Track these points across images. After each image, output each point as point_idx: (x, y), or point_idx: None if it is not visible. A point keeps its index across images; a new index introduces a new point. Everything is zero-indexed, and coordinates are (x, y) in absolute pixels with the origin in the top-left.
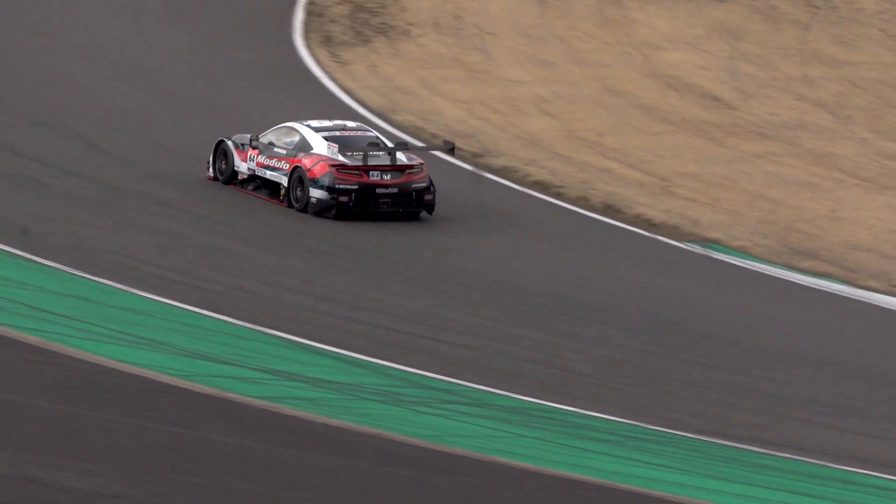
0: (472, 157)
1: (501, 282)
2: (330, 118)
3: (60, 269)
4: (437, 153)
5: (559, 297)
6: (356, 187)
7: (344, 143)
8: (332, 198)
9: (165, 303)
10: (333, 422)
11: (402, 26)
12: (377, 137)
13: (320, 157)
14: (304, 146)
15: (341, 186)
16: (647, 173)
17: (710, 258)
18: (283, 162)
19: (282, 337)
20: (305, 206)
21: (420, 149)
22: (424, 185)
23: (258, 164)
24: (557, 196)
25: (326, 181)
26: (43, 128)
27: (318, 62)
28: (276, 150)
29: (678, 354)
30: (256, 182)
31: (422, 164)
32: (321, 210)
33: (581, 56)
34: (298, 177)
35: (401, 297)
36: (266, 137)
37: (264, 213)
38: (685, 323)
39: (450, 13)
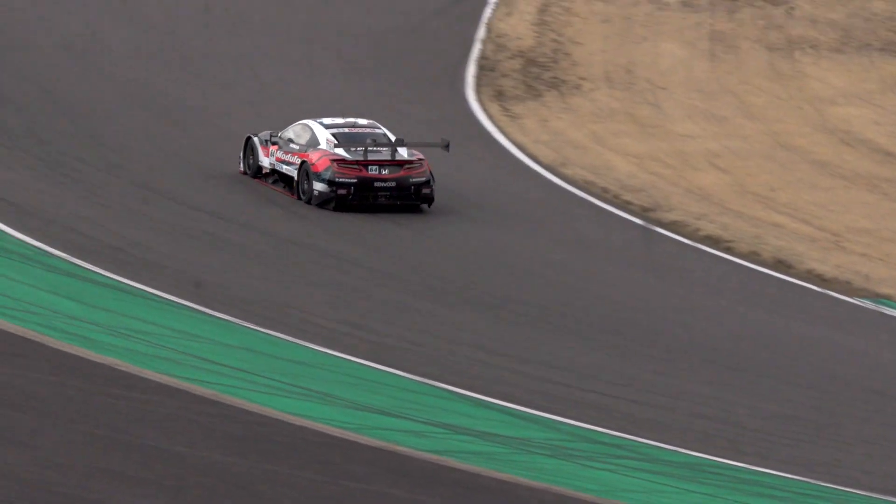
0: (642, 212)
1: (670, 335)
2: (342, 116)
3: (232, 322)
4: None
5: (729, 352)
6: (355, 181)
7: (348, 139)
8: (332, 190)
9: (335, 355)
10: (502, 476)
11: (573, 81)
12: (385, 135)
13: (324, 152)
14: (313, 142)
15: (341, 180)
16: (818, 228)
17: (882, 314)
18: (295, 157)
19: (451, 390)
20: (310, 199)
21: (418, 145)
22: (423, 179)
23: (277, 159)
24: (728, 251)
25: (327, 175)
26: (217, 181)
27: (490, 116)
28: (291, 145)
29: (849, 410)
30: (275, 176)
31: (422, 159)
32: (322, 202)
33: (753, 110)
34: (305, 171)
35: (570, 351)
36: (285, 134)
37: (436, 268)
38: (856, 379)
39: (621, 67)
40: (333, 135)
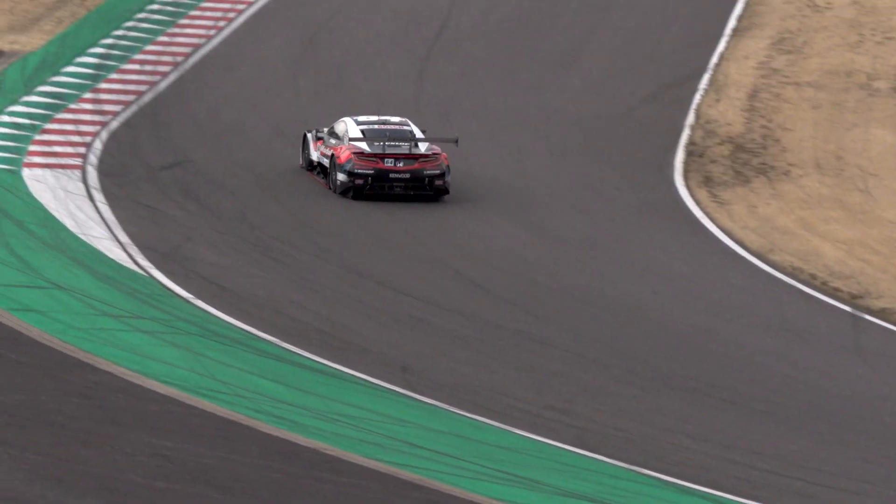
0: (850, 299)
1: (879, 423)
2: (376, 116)
3: (439, 407)
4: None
5: None
6: (372, 172)
7: (375, 135)
8: (350, 180)
9: (541, 441)
10: None
11: (782, 167)
12: (411, 132)
13: (349, 146)
14: (346, 137)
15: (359, 171)
16: None
17: None
18: (330, 150)
19: (655, 476)
20: (335, 188)
21: (432, 140)
22: (437, 171)
23: (321, 153)
24: None
25: (348, 166)
26: (425, 266)
27: (697, 202)
28: (331, 140)
29: None
30: (319, 168)
31: (438, 153)
32: (343, 191)
33: None
34: (333, 163)
35: (776, 437)
36: (328, 130)
37: (640, 352)
38: None
39: (831, 154)
40: (362, 130)
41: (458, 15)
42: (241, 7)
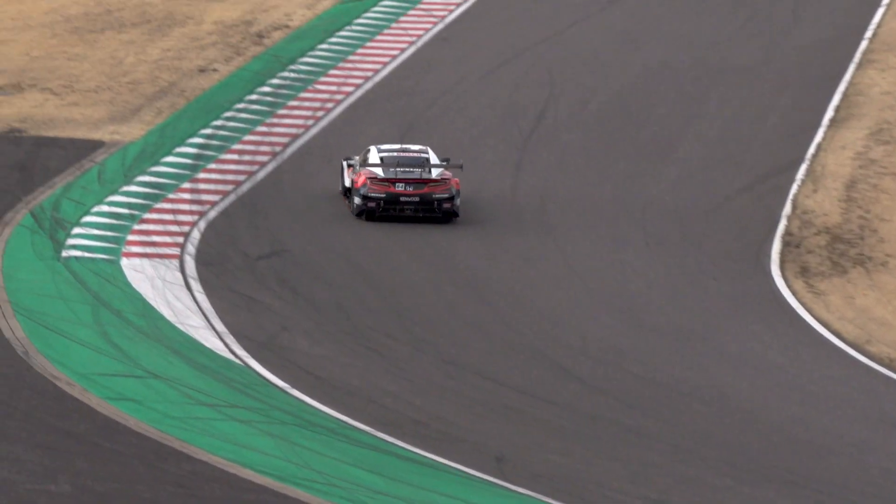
0: None
1: None
2: (448, 161)
3: (533, 497)
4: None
5: None
6: (384, 196)
7: (390, 161)
8: (364, 203)
9: None
10: None
11: (879, 257)
12: (425, 159)
13: (366, 171)
14: (367, 163)
15: (372, 194)
16: None
17: None
18: (354, 176)
19: None
20: (353, 211)
21: (439, 166)
22: (446, 195)
23: (351, 180)
24: None
25: (363, 190)
26: (520, 355)
27: (794, 292)
28: (357, 167)
29: None
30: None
31: (447, 178)
32: (358, 213)
33: None
34: (353, 187)
35: None
36: (358, 157)
37: (736, 443)
38: None
39: None
40: (381, 157)
41: (556, 105)
42: (339, 97)
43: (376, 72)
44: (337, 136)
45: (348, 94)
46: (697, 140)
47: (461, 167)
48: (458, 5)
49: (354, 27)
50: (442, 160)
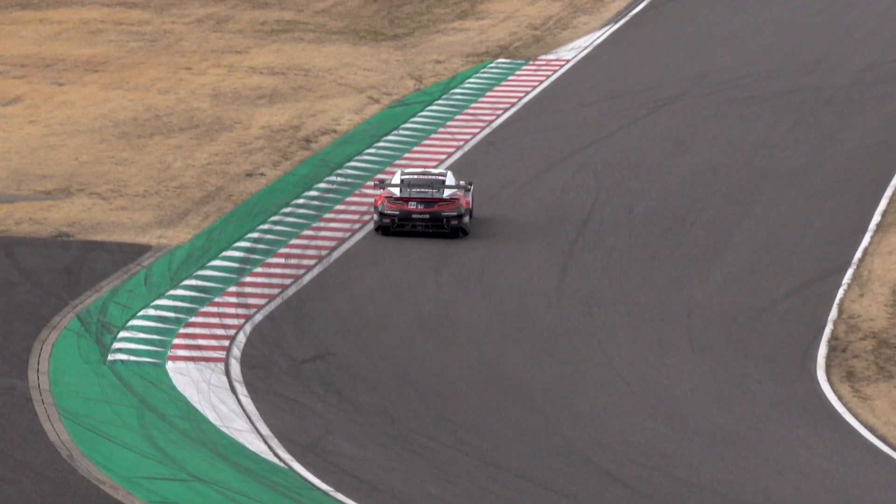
0: None
1: None
2: (467, 182)
3: None
4: None
5: None
6: (397, 213)
7: (408, 183)
8: (381, 220)
9: None
10: None
11: None
12: (439, 181)
13: (386, 192)
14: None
15: (387, 212)
16: None
17: None
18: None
19: None
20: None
21: (451, 187)
22: (454, 213)
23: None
24: None
25: (381, 208)
26: (563, 458)
27: (840, 397)
28: (382, 188)
29: None
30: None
31: (457, 199)
32: (376, 228)
33: None
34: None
35: None
36: (387, 180)
37: None
38: None
39: None
40: (402, 179)
41: (602, 208)
42: None
43: None
44: (383, 239)
45: None
46: (744, 244)
47: (469, 185)
48: (506, 110)
49: (402, 131)
50: (467, 183)
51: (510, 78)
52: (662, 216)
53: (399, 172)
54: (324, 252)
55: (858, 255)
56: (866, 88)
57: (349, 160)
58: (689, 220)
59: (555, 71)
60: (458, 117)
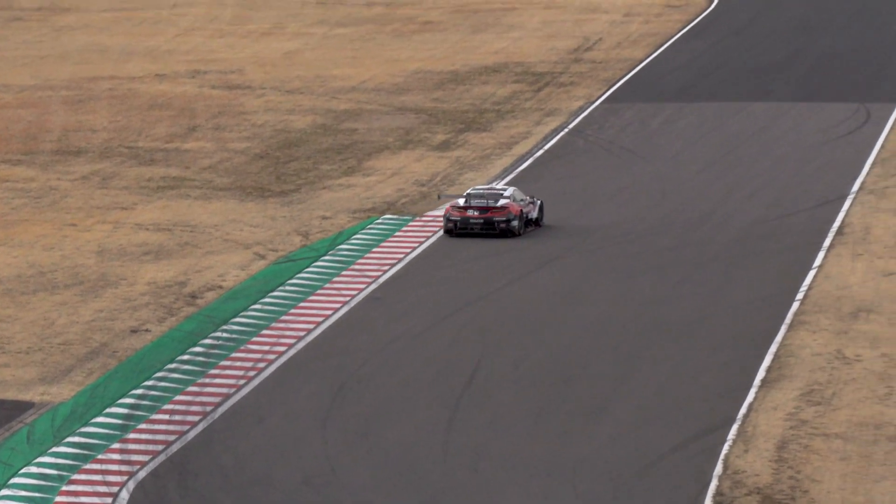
0: None
1: None
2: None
3: None
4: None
5: None
6: (458, 218)
7: (472, 195)
8: (446, 224)
9: None
10: None
11: None
12: (495, 193)
13: (453, 202)
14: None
15: (452, 217)
16: None
17: None
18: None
19: None
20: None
21: (506, 198)
22: (503, 219)
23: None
24: None
25: (448, 215)
26: None
27: None
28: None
29: None
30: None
31: (507, 207)
32: (445, 230)
33: None
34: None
35: None
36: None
37: None
38: None
39: None
40: (467, 193)
41: (488, 363)
42: (271, 357)
43: (309, 331)
44: (268, 395)
45: (280, 353)
46: (631, 398)
47: (536, 200)
48: (392, 266)
49: (288, 287)
50: (530, 197)
51: (397, 234)
52: (549, 371)
53: (471, 189)
54: (208, 408)
55: (743, 410)
56: (751, 244)
57: (235, 316)
58: (578, 374)
59: (440, 228)
60: (344, 273)
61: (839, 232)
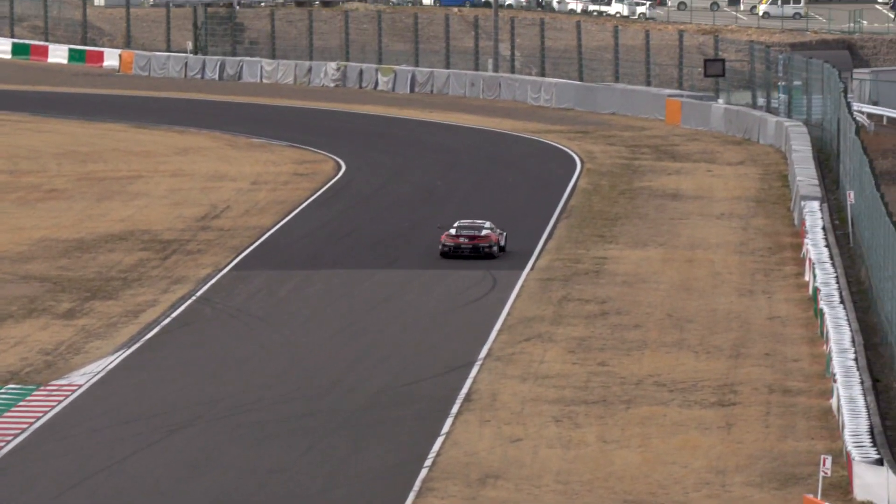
0: None
1: None
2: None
3: None
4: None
5: None
6: (451, 244)
7: (461, 226)
8: (442, 248)
9: None
10: None
11: None
12: (479, 225)
13: (447, 233)
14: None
15: (445, 243)
16: None
17: None
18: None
19: None
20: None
21: (486, 229)
22: (487, 245)
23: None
24: None
25: (442, 241)
26: None
27: None
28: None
29: None
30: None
31: (488, 235)
32: (441, 254)
33: None
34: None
35: None
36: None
37: None
38: None
39: None
40: (456, 226)
41: None
42: None
43: None
44: None
45: None
46: None
47: (503, 232)
48: (15, 436)
49: None
50: (498, 227)
51: (20, 404)
52: None
53: (458, 223)
54: None
55: None
56: (380, 412)
57: None
58: None
59: (66, 396)
60: None
61: (467, 398)
